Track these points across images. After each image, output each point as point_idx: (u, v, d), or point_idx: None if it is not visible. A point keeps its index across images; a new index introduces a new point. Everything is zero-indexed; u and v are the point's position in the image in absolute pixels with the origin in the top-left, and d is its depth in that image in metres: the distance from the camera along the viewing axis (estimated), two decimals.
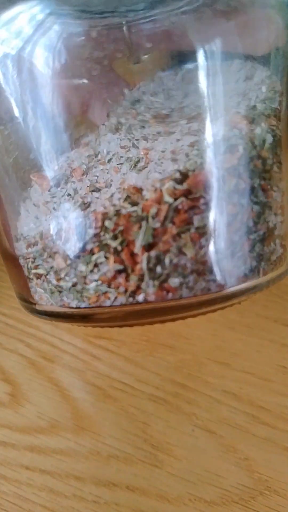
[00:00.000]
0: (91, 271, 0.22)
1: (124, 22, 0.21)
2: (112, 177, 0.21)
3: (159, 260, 0.21)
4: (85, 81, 0.22)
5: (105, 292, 0.22)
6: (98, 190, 0.21)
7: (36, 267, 0.23)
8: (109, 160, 0.22)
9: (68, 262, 0.22)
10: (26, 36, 0.21)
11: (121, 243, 0.21)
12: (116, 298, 0.22)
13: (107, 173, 0.22)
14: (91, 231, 0.21)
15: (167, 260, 0.21)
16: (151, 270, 0.21)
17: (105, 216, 0.21)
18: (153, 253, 0.21)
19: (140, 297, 0.21)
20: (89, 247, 0.21)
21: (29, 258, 0.23)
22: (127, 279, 0.21)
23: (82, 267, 0.22)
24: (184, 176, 0.21)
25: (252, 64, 0.23)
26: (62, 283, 0.22)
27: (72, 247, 0.22)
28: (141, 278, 0.21)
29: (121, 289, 0.21)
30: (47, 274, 0.23)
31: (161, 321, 0.23)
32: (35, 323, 0.28)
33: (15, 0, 0.22)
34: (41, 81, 0.22)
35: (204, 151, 0.21)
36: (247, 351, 0.26)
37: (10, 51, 0.22)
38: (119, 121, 0.23)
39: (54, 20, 0.21)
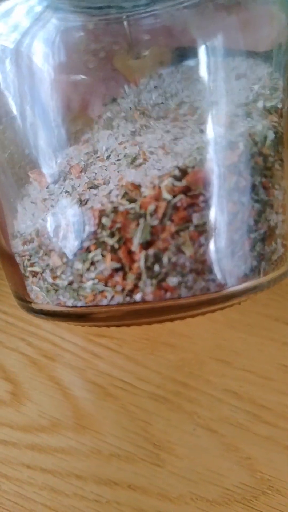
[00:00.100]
0: (88, 269, 0.21)
1: (124, 17, 0.21)
2: (111, 174, 0.21)
3: (157, 259, 0.21)
4: (84, 76, 0.22)
5: (102, 291, 0.22)
6: (96, 187, 0.21)
7: (32, 265, 0.23)
8: (107, 157, 0.22)
9: (64, 260, 0.22)
10: (23, 29, 0.21)
11: (118, 241, 0.21)
12: (113, 297, 0.21)
13: (106, 170, 0.22)
14: (88, 229, 0.21)
15: (165, 259, 0.21)
16: (149, 268, 0.21)
17: (102, 213, 0.21)
18: (151, 251, 0.21)
19: (138, 296, 0.21)
20: (85, 244, 0.21)
21: (25, 256, 0.23)
22: (124, 277, 0.21)
23: (78, 265, 0.22)
24: (183, 172, 0.20)
25: (254, 60, 0.23)
26: (58, 281, 0.22)
27: (69, 244, 0.22)
28: (138, 277, 0.21)
29: (118, 288, 0.21)
30: (43, 272, 0.23)
31: (159, 321, 0.23)
32: (36, 321, 0.28)
33: None
34: (39, 76, 0.22)
35: (204, 148, 0.21)
36: (248, 350, 0.26)
37: (8, 44, 0.21)
38: (118, 117, 0.22)
39: (52, 14, 0.21)
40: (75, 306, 0.22)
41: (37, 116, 0.22)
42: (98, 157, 0.22)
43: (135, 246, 0.21)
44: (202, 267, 0.21)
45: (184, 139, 0.21)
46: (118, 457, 0.23)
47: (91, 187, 0.21)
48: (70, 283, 0.22)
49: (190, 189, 0.21)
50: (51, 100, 0.22)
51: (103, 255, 0.21)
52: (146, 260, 0.21)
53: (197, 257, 0.21)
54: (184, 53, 0.22)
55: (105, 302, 0.22)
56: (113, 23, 0.21)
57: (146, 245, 0.21)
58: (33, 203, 0.23)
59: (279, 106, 0.22)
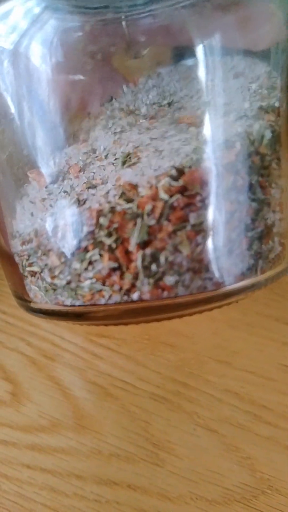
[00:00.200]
0: (86, 268, 0.22)
1: (122, 17, 0.21)
2: (109, 174, 0.21)
3: (154, 258, 0.21)
4: (82, 77, 0.22)
5: (100, 290, 0.22)
6: (94, 187, 0.21)
7: (30, 265, 0.23)
8: (105, 156, 0.22)
9: (63, 259, 0.22)
10: (22, 30, 0.21)
11: (115, 241, 0.21)
12: (110, 296, 0.22)
13: (104, 169, 0.22)
14: (86, 229, 0.21)
15: (162, 258, 0.21)
16: (146, 268, 0.21)
17: (99, 213, 0.21)
18: (148, 250, 0.21)
19: (135, 296, 0.21)
20: (83, 244, 0.21)
21: (23, 256, 0.23)
22: (121, 277, 0.21)
23: (76, 265, 0.22)
24: (180, 172, 0.20)
25: (251, 59, 0.23)
26: (56, 281, 0.22)
27: (67, 244, 0.22)
28: (136, 276, 0.21)
29: (116, 287, 0.21)
30: (41, 272, 0.23)
31: (156, 320, 0.23)
32: (35, 321, 0.28)
33: None
34: (37, 77, 0.22)
35: (200, 147, 0.21)
36: (248, 350, 0.26)
37: (6, 45, 0.22)
38: (115, 116, 0.22)
39: (50, 14, 0.21)
40: (73, 305, 0.22)
41: (35, 116, 0.22)
42: (97, 156, 0.22)
43: (132, 245, 0.21)
44: (199, 266, 0.21)
45: (180, 138, 0.21)
46: (118, 457, 0.23)
47: (89, 187, 0.21)
48: (68, 283, 0.22)
49: (187, 189, 0.21)
50: (49, 100, 0.22)
51: (100, 255, 0.21)
52: (143, 260, 0.21)
53: (194, 256, 0.21)
54: (182, 52, 0.22)
55: (103, 301, 0.22)
56: (111, 23, 0.21)
57: (143, 244, 0.21)
58: (32, 203, 0.23)
59: (277, 105, 0.22)
